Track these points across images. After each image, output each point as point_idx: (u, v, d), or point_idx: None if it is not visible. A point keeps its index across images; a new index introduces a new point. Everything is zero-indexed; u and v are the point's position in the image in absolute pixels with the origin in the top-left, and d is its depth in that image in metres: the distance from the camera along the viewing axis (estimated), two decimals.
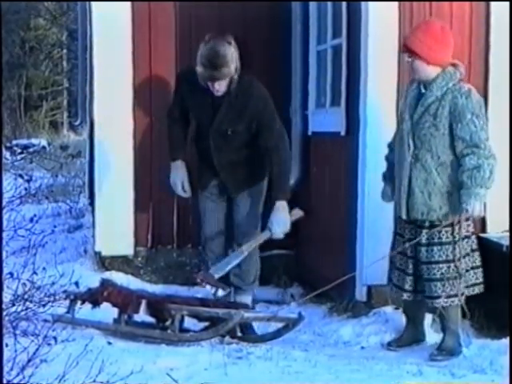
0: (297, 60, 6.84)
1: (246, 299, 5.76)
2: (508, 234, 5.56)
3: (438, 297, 4.95)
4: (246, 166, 5.70)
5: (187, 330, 5.25)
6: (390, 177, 5.21)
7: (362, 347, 5.30)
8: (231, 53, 5.35)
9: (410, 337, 5.22)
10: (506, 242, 5.30)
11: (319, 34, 6.68)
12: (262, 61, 6.86)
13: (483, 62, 5.63)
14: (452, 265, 4.95)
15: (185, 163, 5.81)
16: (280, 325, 5.30)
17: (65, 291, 5.09)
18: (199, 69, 5.34)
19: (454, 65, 4.97)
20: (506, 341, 5.06)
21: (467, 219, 4.98)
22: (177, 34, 6.81)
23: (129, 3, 6.72)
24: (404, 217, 5.02)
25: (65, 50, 24.10)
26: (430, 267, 4.96)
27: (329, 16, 6.43)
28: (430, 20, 5.24)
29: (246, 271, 5.78)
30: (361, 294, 5.71)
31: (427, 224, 4.97)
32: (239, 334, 5.28)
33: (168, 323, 5.17)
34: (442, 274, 4.94)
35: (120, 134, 6.76)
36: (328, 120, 6.40)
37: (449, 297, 4.95)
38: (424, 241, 4.97)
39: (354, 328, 5.56)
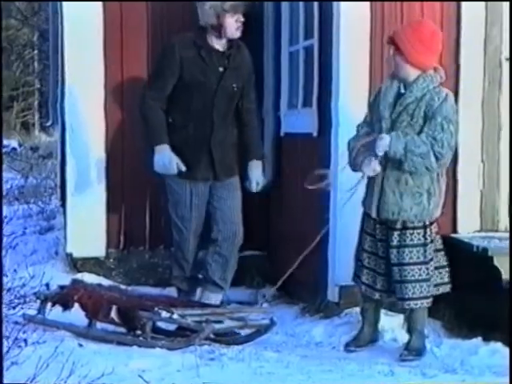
0: (269, 61, 6.84)
1: (216, 299, 5.74)
2: (479, 234, 5.60)
3: (409, 299, 4.96)
4: (233, 150, 5.83)
5: (159, 331, 5.24)
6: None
7: (334, 347, 5.31)
8: None
9: (367, 337, 5.22)
10: (476, 243, 5.32)
11: (291, 35, 6.69)
12: None
13: (453, 63, 5.65)
14: (423, 267, 4.96)
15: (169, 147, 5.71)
16: (252, 329, 5.30)
17: (35, 293, 5.07)
18: (232, 3, 5.50)
19: (435, 68, 4.99)
20: (476, 341, 5.09)
21: (434, 222, 5.01)
22: (148, 33, 6.79)
23: (100, 3, 6.70)
24: (374, 215, 5.02)
25: (36, 51, 23.98)
26: (402, 269, 4.95)
27: (301, 17, 6.44)
28: (424, 21, 5.18)
29: (223, 269, 5.80)
30: (333, 294, 5.71)
31: (398, 226, 4.98)
32: (211, 335, 5.26)
33: (139, 328, 5.14)
34: (412, 276, 4.94)
35: (92, 134, 6.74)
36: (300, 121, 6.41)
37: (419, 299, 4.97)
38: (395, 243, 4.98)
39: (326, 328, 5.57)
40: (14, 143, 18.18)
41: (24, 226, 8.81)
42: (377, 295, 5.12)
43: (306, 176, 5.62)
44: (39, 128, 24.12)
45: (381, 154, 4.88)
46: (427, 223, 4.98)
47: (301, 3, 6.41)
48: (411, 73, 4.93)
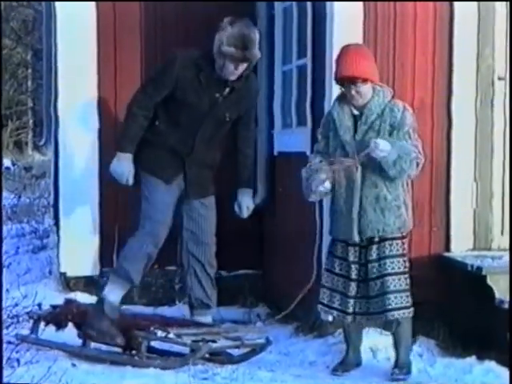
0: (262, 80, 6.85)
1: (207, 319, 5.71)
2: (471, 253, 5.60)
3: (393, 309, 4.95)
4: (210, 171, 5.74)
5: (154, 351, 5.22)
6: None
7: (328, 367, 5.29)
8: (258, 35, 5.44)
9: (353, 361, 5.19)
10: (470, 262, 5.33)
11: (284, 55, 6.72)
12: None
13: (447, 63, 5.66)
14: (402, 277, 4.98)
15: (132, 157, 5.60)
16: (247, 349, 5.28)
17: (27, 313, 5.06)
18: (230, 49, 5.31)
19: (380, 84, 5.11)
20: (470, 359, 5.08)
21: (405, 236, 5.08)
22: (142, 59, 6.83)
23: (94, 23, 6.72)
24: (356, 239, 4.99)
25: (29, 70, 23.99)
26: (384, 280, 4.95)
27: (294, 36, 6.46)
28: (349, 46, 5.12)
29: (207, 291, 5.74)
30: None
31: (376, 239, 5.00)
32: (205, 355, 5.25)
33: (134, 348, 5.12)
34: (394, 286, 4.95)
35: (85, 153, 6.74)
36: (294, 140, 6.42)
37: (402, 308, 4.96)
38: (375, 256, 4.99)
39: (320, 347, 5.56)
40: (7, 162, 18.14)
41: (17, 245, 8.78)
42: (349, 319, 5.08)
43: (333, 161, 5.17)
44: (32, 147, 24.09)
45: (384, 154, 4.85)
46: (404, 234, 5.04)
47: (294, 23, 6.44)
48: (368, 93, 5.00)
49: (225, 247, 6.31)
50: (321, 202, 5.58)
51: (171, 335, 5.07)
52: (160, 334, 5.08)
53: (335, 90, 5.58)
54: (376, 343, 5.36)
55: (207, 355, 5.22)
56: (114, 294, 5.28)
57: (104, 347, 5.28)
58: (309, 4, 6.07)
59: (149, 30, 6.87)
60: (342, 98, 5.10)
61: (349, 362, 5.17)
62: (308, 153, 6.08)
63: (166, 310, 6.09)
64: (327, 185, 5.03)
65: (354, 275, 5.04)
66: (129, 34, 6.82)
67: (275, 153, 6.81)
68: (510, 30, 5.55)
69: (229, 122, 5.62)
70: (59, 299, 5.67)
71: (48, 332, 5.34)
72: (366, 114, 5.01)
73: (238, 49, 5.31)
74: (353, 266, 5.03)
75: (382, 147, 4.85)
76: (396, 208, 4.98)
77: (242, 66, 5.38)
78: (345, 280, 5.07)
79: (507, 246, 5.46)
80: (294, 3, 6.45)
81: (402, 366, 5.01)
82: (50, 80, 9.05)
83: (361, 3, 5.59)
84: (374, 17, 5.62)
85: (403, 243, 5.03)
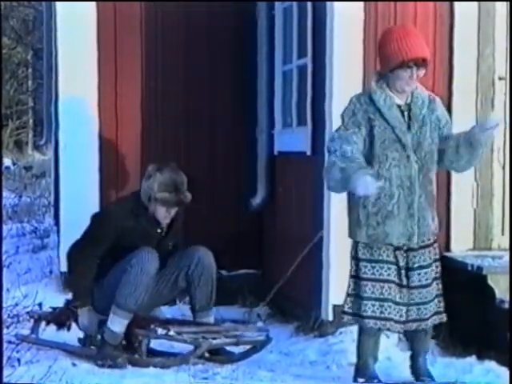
0: (262, 80, 6.86)
1: (209, 320, 5.69)
2: (472, 252, 5.60)
3: (430, 317, 4.70)
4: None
5: (154, 352, 5.22)
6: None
7: (328, 367, 5.29)
8: (185, 178, 5.44)
9: (373, 368, 4.78)
10: (470, 261, 5.33)
11: (285, 54, 6.72)
12: (229, 81, 6.89)
13: (447, 62, 5.66)
14: (435, 283, 4.71)
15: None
16: (248, 346, 5.28)
17: (28, 312, 5.06)
18: (163, 195, 5.30)
19: None
20: (470, 359, 5.08)
21: None
22: (142, 59, 6.83)
23: (95, 22, 6.73)
24: (415, 242, 4.56)
25: (30, 70, 24.01)
26: (422, 291, 4.65)
27: (294, 36, 6.47)
28: (403, 26, 4.96)
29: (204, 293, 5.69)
30: (327, 313, 5.71)
31: (416, 246, 4.62)
32: (206, 354, 5.25)
33: (135, 345, 5.12)
34: (431, 294, 4.68)
35: (86, 153, 6.74)
36: (294, 140, 6.42)
37: (436, 314, 4.74)
38: (415, 265, 4.63)
39: (321, 347, 5.56)
40: (7, 162, 18.15)
41: (17, 244, 8.78)
42: (398, 327, 4.67)
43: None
44: (32, 146, 24.11)
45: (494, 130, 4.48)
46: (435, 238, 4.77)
47: (294, 23, 6.44)
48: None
49: (225, 247, 6.32)
50: (328, 201, 5.58)
51: (171, 333, 5.07)
52: (160, 331, 5.08)
53: (335, 90, 5.60)
54: None
55: (207, 354, 5.22)
56: (115, 324, 5.23)
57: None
58: (309, 4, 6.07)
59: (149, 29, 6.86)
60: (380, 84, 4.60)
61: (369, 374, 4.74)
62: (308, 153, 6.10)
63: (166, 310, 6.08)
64: (381, 183, 4.46)
65: (404, 281, 4.62)
66: (129, 34, 6.83)
67: (275, 152, 6.81)
68: (510, 30, 5.55)
69: (172, 250, 5.53)
70: (59, 299, 5.67)
71: (48, 332, 5.34)
72: (416, 104, 4.58)
73: (171, 193, 5.33)
74: (402, 271, 4.62)
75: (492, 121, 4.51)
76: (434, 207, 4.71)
77: (174, 209, 5.40)
78: (391, 286, 4.60)
79: (507, 245, 5.46)
80: (295, 3, 6.45)
81: (429, 374, 4.80)
82: (51, 80, 9.07)
83: (361, 3, 5.59)
84: (375, 16, 5.62)
85: (435, 247, 4.73)
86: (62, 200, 6.84)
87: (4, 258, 4.72)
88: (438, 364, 5.14)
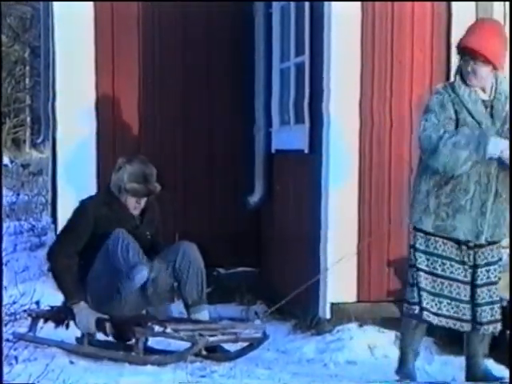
0: (260, 78, 6.86)
1: (204, 316, 5.68)
2: None
3: (497, 320, 4.52)
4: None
5: (151, 350, 5.23)
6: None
7: (325, 364, 5.30)
8: (155, 170, 5.52)
9: (413, 366, 4.61)
10: None
11: (282, 52, 6.72)
12: (226, 79, 6.90)
13: (445, 60, 5.67)
14: (494, 287, 4.52)
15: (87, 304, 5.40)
16: (245, 343, 5.29)
17: (25, 310, 5.06)
18: (134, 186, 5.39)
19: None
20: None
21: None
22: (140, 58, 6.83)
23: (92, 21, 6.73)
24: (482, 240, 4.40)
25: (27, 67, 23.98)
26: (490, 288, 4.47)
27: (292, 34, 6.47)
28: (487, 20, 4.78)
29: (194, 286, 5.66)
30: (324, 311, 5.71)
31: (484, 242, 4.46)
32: (203, 352, 5.26)
33: (132, 343, 5.13)
34: (496, 295, 4.49)
35: (83, 151, 6.74)
36: (291, 138, 6.42)
37: (499, 321, 4.55)
38: (483, 261, 4.47)
39: (318, 345, 5.56)
40: (5, 160, 18.15)
41: (15, 242, 8.79)
42: (465, 327, 4.52)
43: None
44: (30, 144, 24.09)
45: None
46: None
47: (292, 20, 6.44)
48: (487, 78, 4.43)
49: (222, 245, 6.34)
50: (326, 199, 5.58)
51: (169, 330, 5.08)
52: (157, 329, 5.08)
53: (333, 88, 5.60)
54: (374, 341, 5.36)
55: (204, 352, 5.22)
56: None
57: (102, 343, 5.29)
58: (306, 2, 6.07)
59: (147, 29, 6.87)
60: (460, 77, 4.44)
61: (412, 374, 4.59)
62: (306, 151, 6.09)
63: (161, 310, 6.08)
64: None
65: (461, 277, 4.46)
66: (127, 33, 6.83)
67: (273, 150, 6.81)
68: (510, 30, 5.55)
69: (150, 238, 5.57)
70: (57, 297, 5.66)
71: (46, 330, 5.34)
72: (499, 100, 4.41)
73: (140, 184, 5.40)
74: (468, 268, 4.47)
75: None
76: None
77: (144, 200, 5.47)
78: (453, 283, 4.47)
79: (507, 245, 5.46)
80: (292, 2, 6.45)
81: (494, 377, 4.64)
82: (48, 78, 9.05)
83: (359, 2, 5.59)
84: (372, 15, 5.63)
85: (499, 246, 4.54)
86: (59, 198, 6.84)
87: (2, 255, 4.72)
88: (436, 362, 5.16)
